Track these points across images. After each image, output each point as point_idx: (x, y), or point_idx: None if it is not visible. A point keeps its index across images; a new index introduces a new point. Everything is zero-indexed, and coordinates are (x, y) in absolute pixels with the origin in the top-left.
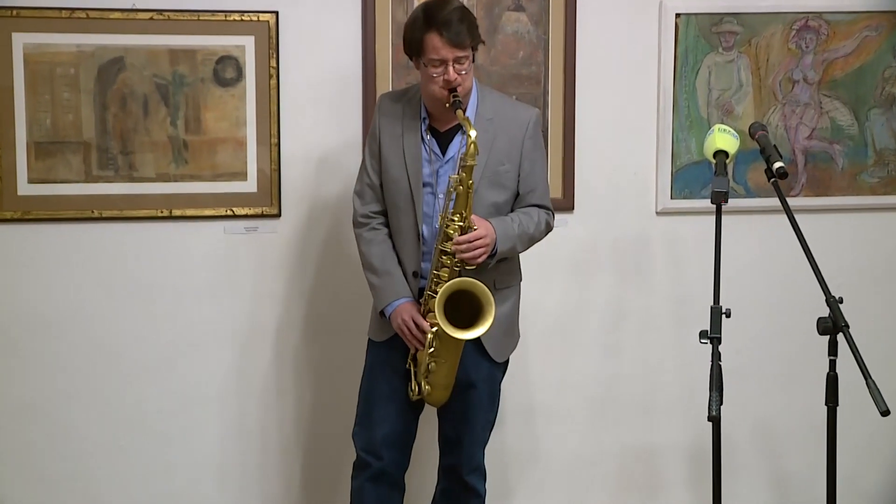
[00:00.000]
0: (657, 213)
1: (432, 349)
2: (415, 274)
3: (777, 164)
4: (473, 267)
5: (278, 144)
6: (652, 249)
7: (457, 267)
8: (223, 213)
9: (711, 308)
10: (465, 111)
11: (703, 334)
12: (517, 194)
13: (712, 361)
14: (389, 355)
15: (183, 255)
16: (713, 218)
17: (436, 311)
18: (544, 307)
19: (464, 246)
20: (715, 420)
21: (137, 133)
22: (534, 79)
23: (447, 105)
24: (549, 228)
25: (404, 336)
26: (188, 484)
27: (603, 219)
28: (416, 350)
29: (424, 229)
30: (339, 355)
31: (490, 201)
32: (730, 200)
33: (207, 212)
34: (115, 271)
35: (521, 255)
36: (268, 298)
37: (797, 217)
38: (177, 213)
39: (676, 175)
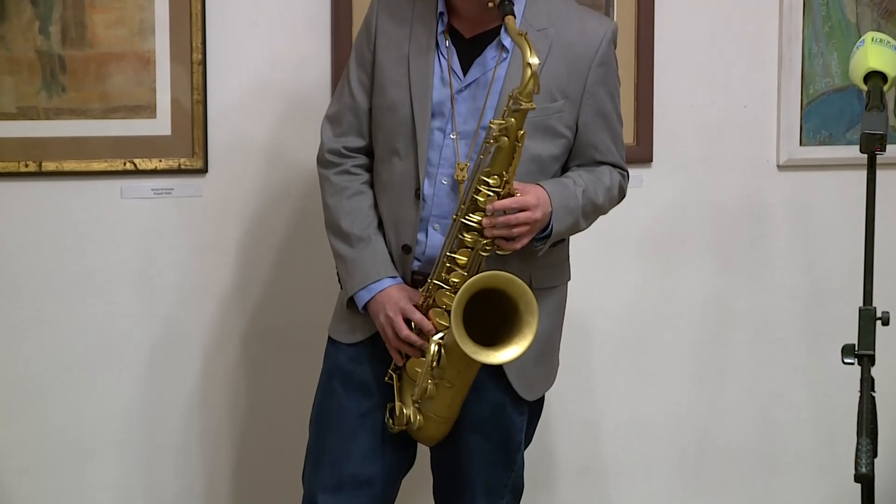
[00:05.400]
0: (779, 167)
1: (434, 364)
2: (405, 248)
3: None
4: (508, 252)
5: (203, 63)
6: (771, 221)
7: (484, 250)
8: (120, 168)
9: (860, 310)
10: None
11: (847, 350)
12: (571, 146)
13: (862, 392)
14: (359, 363)
15: (60, 229)
16: (863, 174)
17: (452, 317)
18: (608, 309)
19: (500, 220)
20: (866, 480)
21: None
22: None
23: (489, 4)
24: (621, 196)
25: (388, 339)
26: None
27: (696, 176)
28: (402, 361)
29: (426, 184)
30: (291, 372)
31: (532, 153)
32: (889, 147)
33: (96, 165)
34: None
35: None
36: (188, 292)
37: None
38: (49, 166)
39: (809, 109)
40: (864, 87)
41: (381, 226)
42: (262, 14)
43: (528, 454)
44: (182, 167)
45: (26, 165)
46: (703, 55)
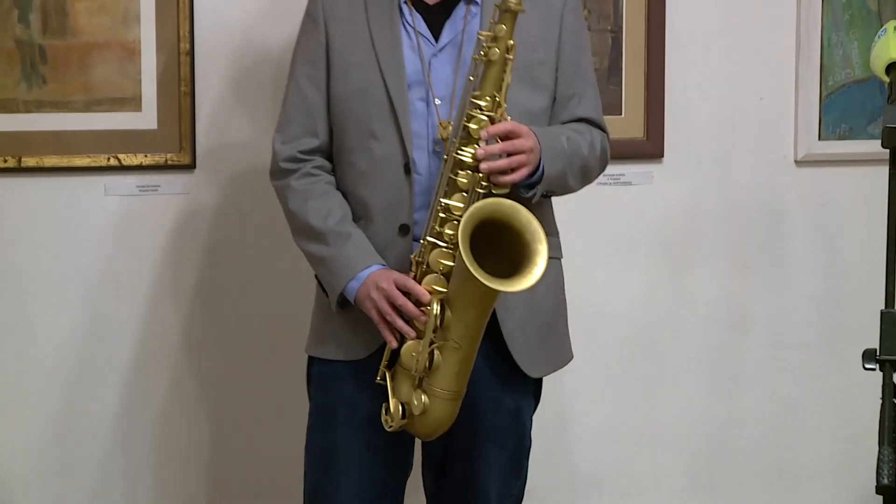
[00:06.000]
0: (797, 163)
1: (438, 325)
2: (403, 229)
3: None
4: (505, 188)
5: (191, 53)
6: (788, 220)
7: (480, 187)
8: (104, 164)
9: (882, 313)
10: None
11: (868, 355)
12: (554, 100)
13: (883, 398)
14: (360, 387)
15: (41, 228)
16: (885, 170)
17: (460, 243)
18: (617, 312)
19: (495, 148)
20: (888, 491)
21: None
22: None
23: None
24: (605, 159)
25: (381, 316)
26: None
27: (709, 172)
28: (397, 343)
29: (417, 157)
30: (286, 375)
31: (522, 107)
32: None
33: (78, 161)
34: None
35: (566, 226)
36: (176, 294)
37: None
38: (29, 162)
39: (828, 102)
40: (886, 79)
41: (357, 220)
42: (252, 2)
43: (534, 463)
44: (169, 163)
45: (5, 161)
46: (717, 45)
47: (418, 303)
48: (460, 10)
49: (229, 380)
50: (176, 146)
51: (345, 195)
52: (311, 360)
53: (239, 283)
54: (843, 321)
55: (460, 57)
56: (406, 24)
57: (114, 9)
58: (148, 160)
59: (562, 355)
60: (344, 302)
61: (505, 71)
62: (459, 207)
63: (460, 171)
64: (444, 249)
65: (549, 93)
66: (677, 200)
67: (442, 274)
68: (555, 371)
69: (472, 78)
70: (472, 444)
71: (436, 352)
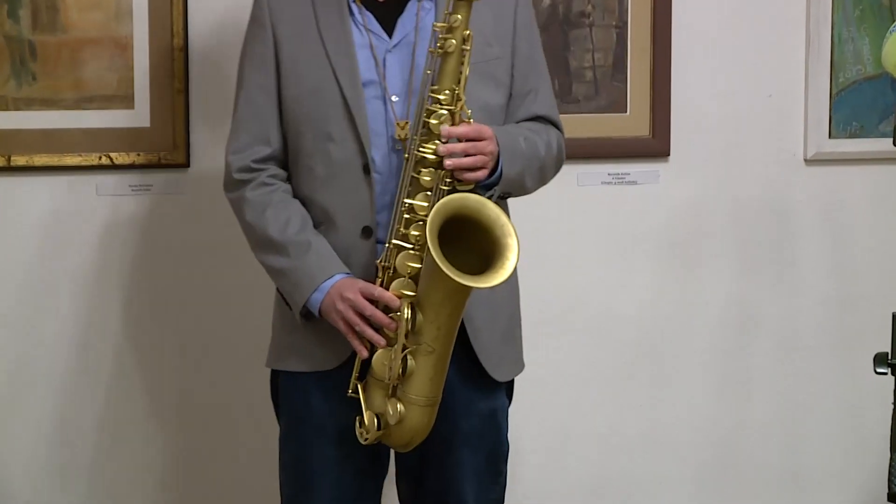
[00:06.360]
0: (807, 162)
1: (409, 329)
2: (366, 231)
3: None
4: (469, 184)
5: (185, 49)
6: (797, 220)
7: (445, 184)
8: (95, 163)
9: (894, 316)
10: None
11: (880, 359)
12: (510, 96)
13: (895, 403)
14: (328, 398)
15: (31, 229)
16: None
17: (428, 240)
18: (622, 314)
19: (458, 147)
20: None
21: None
22: None
23: None
24: (560, 158)
25: (349, 327)
26: None
27: (716, 171)
28: (368, 353)
29: (375, 156)
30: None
31: (481, 102)
32: None
33: (69, 160)
34: None
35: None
36: (169, 296)
37: None
38: (19, 161)
39: (838, 99)
40: None
41: (318, 226)
42: None
43: (536, 468)
44: (162, 161)
45: None
46: (725, 40)
47: (387, 309)
48: (412, 6)
49: (236, 381)
50: (169, 144)
51: (303, 202)
52: (276, 373)
53: (236, 283)
54: (853, 324)
55: (414, 53)
56: (356, 23)
57: (106, 4)
58: (140, 159)
59: (518, 364)
60: (308, 314)
61: (462, 63)
62: (424, 207)
63: (423, 170)
64: (410, 252)
65: (505, 89)
66: (683, 200)
67: (410, 277)
68: (512, 377)
69: (429, 72)
70: (448, 450)
71: (409, 358)
